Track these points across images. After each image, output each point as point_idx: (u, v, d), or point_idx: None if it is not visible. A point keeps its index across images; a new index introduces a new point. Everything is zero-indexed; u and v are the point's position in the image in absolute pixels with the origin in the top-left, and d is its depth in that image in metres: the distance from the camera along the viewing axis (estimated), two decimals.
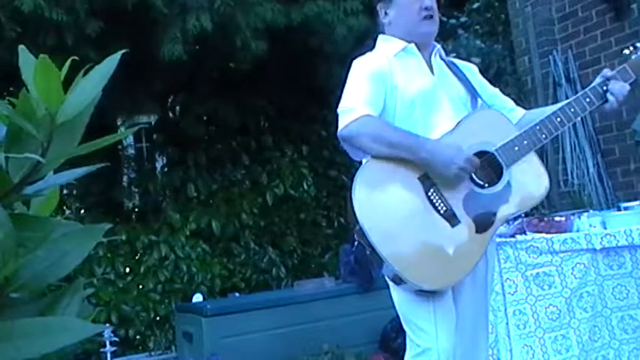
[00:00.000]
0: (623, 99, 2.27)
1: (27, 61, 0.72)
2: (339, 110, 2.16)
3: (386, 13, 2.33)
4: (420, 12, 2.26)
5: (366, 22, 4.69)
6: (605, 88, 2.26)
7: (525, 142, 2.20)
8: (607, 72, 2.30)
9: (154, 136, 6.67)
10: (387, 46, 2.32)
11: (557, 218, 3.38)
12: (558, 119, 2.23)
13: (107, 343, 4.17)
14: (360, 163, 2.22)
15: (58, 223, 0.77)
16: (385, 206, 2.10)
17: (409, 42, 2.28)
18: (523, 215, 3.41)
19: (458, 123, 2.21)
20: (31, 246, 0.74)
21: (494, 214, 2.14)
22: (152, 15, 4.22)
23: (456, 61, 2.47)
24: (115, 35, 4.11)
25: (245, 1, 4.35)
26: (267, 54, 4.78)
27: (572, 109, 2.25)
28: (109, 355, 4.18)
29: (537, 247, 3.14)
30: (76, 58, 0.73)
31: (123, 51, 0.76)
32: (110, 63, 0.74)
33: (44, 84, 0.67)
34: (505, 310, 3.15)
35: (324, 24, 4.68)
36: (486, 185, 2.17)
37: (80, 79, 0.72)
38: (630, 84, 2.29)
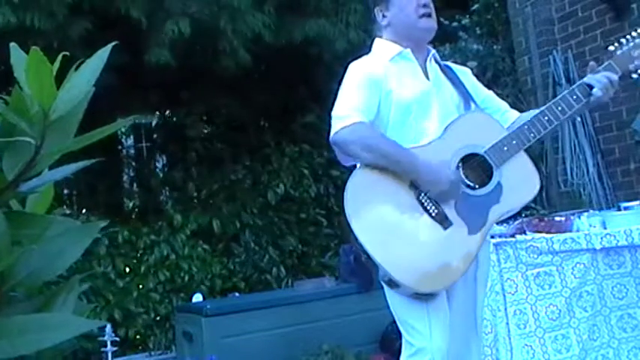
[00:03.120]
0: (610, 92, 2.27)
1: (18, 59, 0.72)
2: (332, 115, 2.18)
3: (384, 16, 2.33)
4: (417, 9, 2.27)
5: (366, 37, 4.72)
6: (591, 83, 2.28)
7: (514, 141, 2.21)
8: (594, 66, 2.32)
9: (155, 135, 6.67)
10: (382, 50, 2.32)
11: (557, 218, 3.38)
12: (546, 118, 2.25)
13: (108, 342, 4.16)
14: (351, 169, 2.22)
15: (54, 220, 0.77)
16: (377, 212, 2.12)
17: (405, 46, 2.29)
18: (523, 215, 3.42)
19: (446, 127, 2.22)
20: (27, 243, 0.74)
21: (487, 215, 2.16)
22: (134, 23, 4.28)
23: (451, 64, 2.48)
24: (105, 38, 4.17)
25: (232, 8, 4.36)
26: (266, 56, 4.81)
27: (560, 107, 2.26)
28: (109, 355, 4.17)
29: (537, 247, 3.14)
30: (66, 53, 0.73)
31: (113, 43, 0.76)
32: (100, 57, 0.74)
33: (36, 78, 0.67)
34: (505, 309, 3.14)
35: (325, 38, 4.72)
36: (477, 187, 2.18)
37: (72, 75, 0.71)
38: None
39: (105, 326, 4.18)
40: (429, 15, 2.29)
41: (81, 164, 0.79)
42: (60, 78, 0.72)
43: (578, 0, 5.30)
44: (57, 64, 0.71)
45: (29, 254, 0.74)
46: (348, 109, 2.15)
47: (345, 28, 4.80)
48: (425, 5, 2.27)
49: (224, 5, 4.35)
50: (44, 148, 0.68)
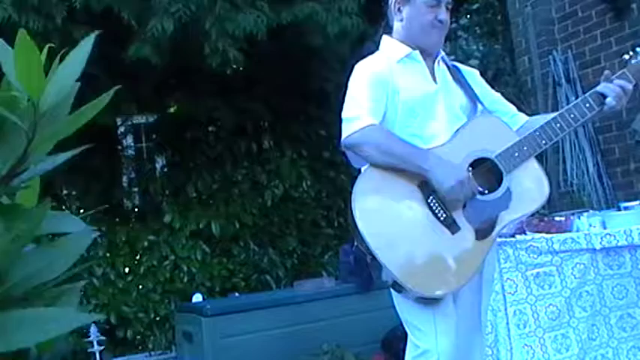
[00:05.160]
0: (623, 101, 2.27)
1: (5, 53, 0.72)
2: (343, 117, 2.17)
3: (399, 10, 2.31)
4: (433, 22, 2.26)
5: (360, 23, 4.68)
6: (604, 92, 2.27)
7: (525, 148, 2.20)
8: (608, 75, 2.30)
9: (154, 136, 6.66)
10: (391, 50, 2.31)
11: (557, 218, 3.38)
12: (558, 125, 2.23)
13: (94, 342, 4.16)
14: (359, 170, 2.22)
15: (47, 213, 0.77)
16: (385, 214, 2.11)
17: (414, 48, 2.28)
18: None
19: (456, 131, 2.21)
20: (22, 237, 0.73)
21: (495, 220, 2.15)
22: (124, 22, 4.30)
23: (460, 65, 2.47)
24: (103, 37, 4.16)
25: (213, 8, 4.35)
26: (262, 54, 4.79)
27: (572, 115, 2.25)
28: (97, 355, 4.17)
29: (537, 247, 3.13)
30: (52, 45, 0.73)
31: (97, 32, 0.76)
32: (85, 46, 0.73)
33: (25, 66, 0.66)
34: (505, 309, 3.14)
35: (315, 23, 4.70)
36: (486, 192, 2.17)
37: (56, 66, 0.71)
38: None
39: (99, 324, 4.19)
40: (442, 29, 2.29)
41: (70, 153, 0.78)
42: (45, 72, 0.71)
43: (578, 0, 5.30)
44: (43, 55, 0.71)
45: (27, 255, 0.73)
46: (360, 111, 2.13)
47: (338, 13, 4.78)
48: (441, 21, 2.27)
49: (216, 5, 4.34)
50: (36, 140, 0.68)
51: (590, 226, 3.23)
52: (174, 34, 4.26)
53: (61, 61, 0.74)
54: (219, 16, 4.35)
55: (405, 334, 2.22)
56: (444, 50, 2.42)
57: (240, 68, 5.04)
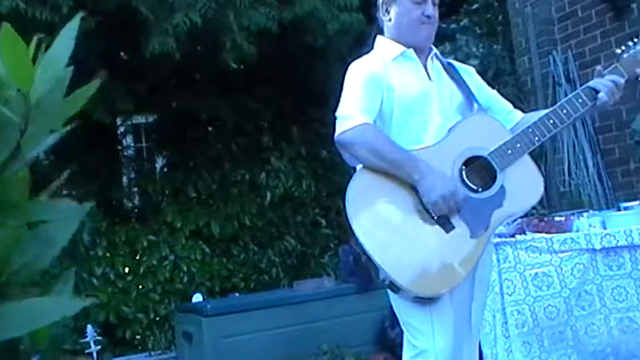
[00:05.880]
0: (615, 96, 2.27)
1: None
2: (337, 115, 2.17)
3: (387, 11, 2.34)
4: (420, 17, 2.27)
5: (360, 19, 4.68)
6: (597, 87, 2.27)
7: (518, 145, 2.19)
8: (600, 70, 2.31)
9: (154, 136, 6.66)
10: (385, 49, 2.32)
11: (557, 218, 3.38)
12: (551, 121, 2.23)
13: (91, 343, 4.15)
14: (354, 169, 2.21)
15: (39, 204, 0.76)
16: (379, 214, 2.10)
17: (408, 46, 2.28)
18: (522, 215, 3.41)
19: (450, 129, 2.21)
20: (15, 228, 0.72)
21: (489, 219, 2.14)
22: (140, 17, 4.28)
23: (455, 62, 2.47)
24: (106, 33, 4.14)
25: (235, 2, 4.37)
26: (264, 53, 4.79)
27: (565, 111, 2.25)
28: (95, 355, 4.16)
29: (537, 247, 3.13)
30: (42, 35, 0.72)
31: (80, 14, 0.74)
32: (71, 28, 0.72)
33: (11, 57, 0.65)
34: (504, 309, 3.14)
35: (316, 20, 4.71)
36: (480, 190, 2.16)
37: (42, 55, 0.70)
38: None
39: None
40: (430, 25, 2.30)
41: (58, 135, 0.76)
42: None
43: (578, 0, 5.30)
44: (32, 47, 0.69)
45: (23, 244, 0.73)
46: (353, 110, 2.14)
47: (337, 9, 4.79)
48: (428, 16, 2.27)
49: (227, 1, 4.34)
50: (29, 131, 0.67)
51: (590, 226, 3.22)
52: (199, 28, 4.27)
53: (46, 50, 0.73)
54: (240, 9, 4.37)
55: (394, 323, 2.21)
56: (443, 51, 2.42)
57: (242, 67, 5.04)
